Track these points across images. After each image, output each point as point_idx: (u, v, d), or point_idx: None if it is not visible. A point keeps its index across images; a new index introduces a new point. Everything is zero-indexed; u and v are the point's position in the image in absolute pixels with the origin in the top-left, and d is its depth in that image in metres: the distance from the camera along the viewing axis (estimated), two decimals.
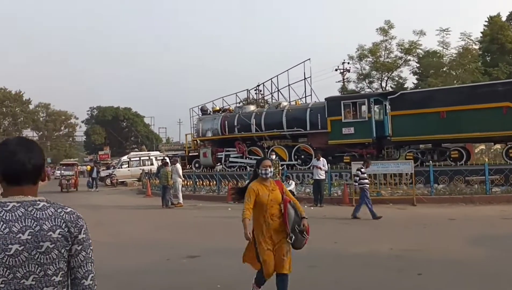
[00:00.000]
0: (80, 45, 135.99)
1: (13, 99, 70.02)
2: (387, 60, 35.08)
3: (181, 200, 16.47)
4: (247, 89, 27.39)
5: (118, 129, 72.69)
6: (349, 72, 38.97)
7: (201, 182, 20.46)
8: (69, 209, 1.77)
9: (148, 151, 45.30)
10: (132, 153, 39.56)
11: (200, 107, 25.71)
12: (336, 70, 39.56)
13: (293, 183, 15.97)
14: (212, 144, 23.95)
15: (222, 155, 23.19)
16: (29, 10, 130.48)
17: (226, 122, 23.14)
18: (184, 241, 9.40)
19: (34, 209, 1.69)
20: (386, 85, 35.95)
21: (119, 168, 32.93)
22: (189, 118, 26.79)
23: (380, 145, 19.14)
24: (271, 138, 21.92)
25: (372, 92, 29.77)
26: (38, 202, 1.72)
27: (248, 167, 20.99)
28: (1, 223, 1.63)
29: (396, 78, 36.58)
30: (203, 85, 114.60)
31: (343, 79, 39.67)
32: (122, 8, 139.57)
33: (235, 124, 22.62)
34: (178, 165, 17.09)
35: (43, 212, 1.70)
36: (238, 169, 21.71)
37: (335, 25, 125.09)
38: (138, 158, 33.20)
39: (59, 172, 32.39)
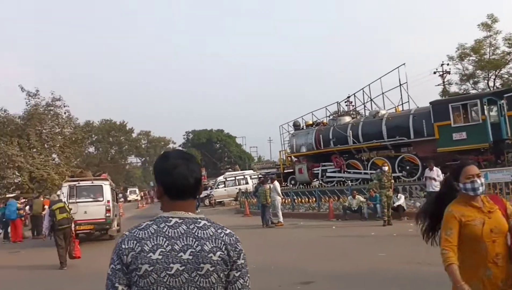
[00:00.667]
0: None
1: (118, 129, 75.98)
2: (493, 57, 31.81)
3: (281, 219, 15.91)
4: (337, 102, 26.29)
5: (212, 151, 75.14)
6: (449, 74, 36.03)
7: (299, 199, 19.78)
8: (228, 231, 1.70)
9: (241, 170, 45.86)
10: (227, 173, 40.22)
11: (293, 122, 25.20)
12: (434, 72, 36.79)
13: (402, 196, 14.64)
14: (307, 160, 23.24)
15: (318, 170, 22.36)
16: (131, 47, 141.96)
17: (320, 135, 22.35)
18: (293, 264, 8.73)
19: (196, 228, 1.63)
20: (493, 84, 32.54)
21: (216, 188, 33.53)
22: (279, 135, 26.42)
23: (498, 150, 16.95)
24: (370, 149, 20.60)
25: (484, 92, 26.94)
26: (199, 220, 1.66)
27: (348, 181, 19.94)
28: (164, 239, 1.58)
29: (506, 76, 32.97)
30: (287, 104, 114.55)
31: (443, 82, 36.74)
32: (196, 34, 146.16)
33: (330, 137, 21.72)
34: (276, 183, 16.63)
35: (204, 231, 1.63)
36: (337, 184, 20.70)
37: (425, 26, 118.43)
38: (233, 178, 33.53)
39: None
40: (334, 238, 11.48)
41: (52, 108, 31.72)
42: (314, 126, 23.71)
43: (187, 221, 1.64)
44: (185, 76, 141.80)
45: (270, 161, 66.57)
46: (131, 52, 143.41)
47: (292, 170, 24.19)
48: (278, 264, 8.77)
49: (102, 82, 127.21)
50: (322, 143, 22.13)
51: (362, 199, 15.81)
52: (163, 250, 1.56)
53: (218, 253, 1.60)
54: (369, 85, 22.85)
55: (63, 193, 13.59)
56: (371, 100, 23.05)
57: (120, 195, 38.80)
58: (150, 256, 1.56)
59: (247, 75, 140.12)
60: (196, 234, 1.61)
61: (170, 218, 1.63)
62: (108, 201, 14.14)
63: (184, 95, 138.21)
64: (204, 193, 34.19)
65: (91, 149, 68.87)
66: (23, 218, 16.14)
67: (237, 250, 1.67)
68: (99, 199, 14.14)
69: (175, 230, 1.60)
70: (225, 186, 32.89)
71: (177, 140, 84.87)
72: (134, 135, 79.42)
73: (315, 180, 22.76)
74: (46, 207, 15.77)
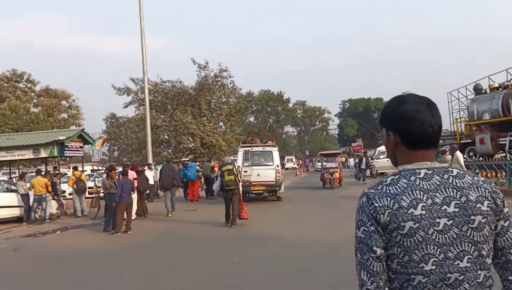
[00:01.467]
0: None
1: (275, 99, 78.38)
2: None
3: None
4: None
5: (370, 120, 72.20)
6: None
7: (482, 173, 17.16)
8: (483, 178, 1.52)
9: None
10: None
11: (473, 86, 21.99)
12: None
13: None
14: (491, 128, 20.10)
15: (505, 141, 19.14)
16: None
17: (510, 100, 18.98)
18: None
19: (451, 177, 1.46)
20: None
21: (377, 159, 31.80)
22: (447, 103, 23.43)
23: None
24: None
25: None
26: (450, 169, 1.49)
27: None
28: (421, 193, 1.42)
29: None
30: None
31: None
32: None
33: None
34: (459, 154, 14.48)
35: (462, 180, 1.46)
36: None
37: None
38: None
39: (319, 164, 32.98)
40: None
41: (219, 78, 33.61)
42: (500, 89, 20.27)
43: (438, 171, 1.48)
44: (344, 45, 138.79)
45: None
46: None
47: (470, 140, 21.28)
48: None
49: (259, 56, 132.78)
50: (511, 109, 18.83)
51: None
52: (424, 204, 1.41)
53: (486, 202, 1.44)
54: None
55: (236, 157, 14.78)
56: None
57: None
58: (412, 212, 1.40)
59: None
60: (454, 184, 1.45)
61: (418, 170, 1.47)
62: (278, 166, 15.22)
63: (340, 64, 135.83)
64: (363, 164, 32.81)
65: (251, 119, 72.76)
66: (201, 180, 17.27)
67: (501, 197, 1.49)
68: (270, 163, 15.28)
69: (429, 182, 1.45)
70: (386, 156, 30.84)
71: (332, 109, 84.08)
72: (290, 105, 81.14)
73: (499, 152, 19.61)
74: (216, 169, 16.81)
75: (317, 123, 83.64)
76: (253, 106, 71.89)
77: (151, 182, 15.71)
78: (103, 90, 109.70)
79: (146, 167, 16.38)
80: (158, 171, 16.82)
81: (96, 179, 18.48)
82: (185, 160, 35.25)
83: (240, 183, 11.08)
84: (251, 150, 15.30)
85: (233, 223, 10.25)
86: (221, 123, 35.29)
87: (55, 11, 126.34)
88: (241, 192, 10.82)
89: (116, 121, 69.90)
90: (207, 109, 33.46)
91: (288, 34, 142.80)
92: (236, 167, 11.58)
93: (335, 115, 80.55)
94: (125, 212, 10.14)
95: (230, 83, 34.08)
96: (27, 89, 54.81)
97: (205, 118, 33.74)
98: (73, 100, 57.09)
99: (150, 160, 20.01)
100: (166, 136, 33.58)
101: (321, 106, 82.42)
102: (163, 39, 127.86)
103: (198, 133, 31.85)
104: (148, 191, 15.28)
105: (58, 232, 11.09)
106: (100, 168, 33.79)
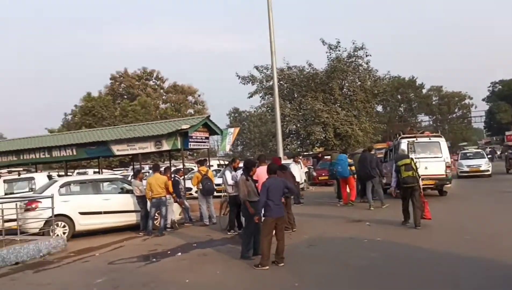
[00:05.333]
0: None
1: (407, 86, 70.76)
2: None
3: None
4: None
5: None
6: None
7: None
8: None
9: None
10: None
11: None
12: None
13: None
14: None
15: None
16: None
17: None
18: None
19: None
20: None
21: None
22: None
23: None
24: None
25: None
26: None
27: None
28: None
29: None
30: None
31: None
32: None
33: None
34: None
35: None
36: None
37: None
38: None
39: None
40: None
41: (353, 58, 29.13)
42: None
43: None
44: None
45: None
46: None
47: None
48: None
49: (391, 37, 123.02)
50: None
51: None
52: None
53: None
54: None
55: (403, 149, 12.87)
56: None
57: None
58: None
59: None
60: None
61: None
62: (447, 158, 14.42)
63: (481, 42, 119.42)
64: None
65: (379, 108, 66.33)
66: (355, 175, 13.33)
67: None
68: (438, 155, 14.36)
69: None
70: None
71: (476, 93, 73.09)
72: (424, 91, 72.73)
73: None
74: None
75: (456, 110, 73.59)
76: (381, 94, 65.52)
77: (298, 179, 12.08)
78: (226, 85, 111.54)
79: (291, 161, 13.15)
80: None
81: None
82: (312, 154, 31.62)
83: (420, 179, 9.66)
84: (415, 141, 14.42)
85: (417, 224, 9.10)
86: (355, 111, 30.52)
87: (177, 15, 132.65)
88: (421, 188, 9.60)
89: (239, 116, 69.53)
90: (340, 94, 29.21)
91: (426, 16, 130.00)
92: (414, 160, 9.83)
93: (483, 100, 69.42)
94: (273, 231, 6.52)
95: (367, 63, 29.37)
96: (156, 86, 56.42)
97: (338, 104, 29.54)
98: (199, 95, 57.50)
99: (281, 153, 16.54)
100: (294, 127, 30.17)
101: (460, 90, 72.24)
102: (285, 30, 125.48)
103: (331, 122, 27.77)
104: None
105: (179, 254, 7.88)
106: (227, 162, 31.66)
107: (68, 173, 18.97)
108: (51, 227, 9.29)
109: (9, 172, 17.92)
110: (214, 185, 11.68)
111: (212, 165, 21.85)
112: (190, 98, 57.33)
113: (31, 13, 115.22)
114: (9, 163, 16.98)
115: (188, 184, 14.39)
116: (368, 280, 5.64)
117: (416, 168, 9.48)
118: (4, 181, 13.73)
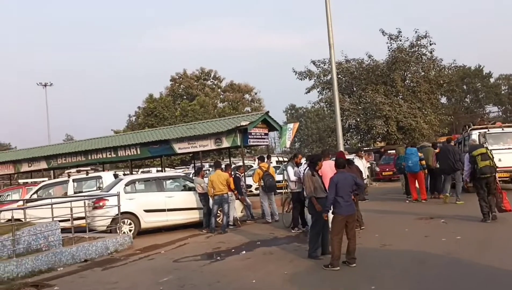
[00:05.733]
0: None
1: (473, 75, 66.74)
2: None
3: None
4: None
5: None
6: None
7: None
8: None
9: None
10: None
11: None
12: None
13: None
14: None
15: None
16: None
17: None
18: None
19: None
20: None
21: None
22: None
23: None
24: None
25: None
26: None
27: None
28: None
29: None
30: None
31: None
32: None
33: None
34: None
35: None
36: None
37: None
38: None
39: None
40: None
41: (416, 48, 27.71)
42: None
43: None
44: None
45: None
46: None
47: None
48: None
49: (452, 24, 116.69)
50: None
51: None
52: None
53: None
54: None
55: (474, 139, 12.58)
56: None
57: None
58: None
59: None
60: None
61: None
62: None
63: None
64: None
65: (443, 100, 63.06)
66: (425, 170, 12.52)
67: None
68: None
69: None
70: None
71: None
72: (492, 80, 68.15)
73: None
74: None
75: None
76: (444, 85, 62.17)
77: (364, 175, 11.52)
78: (283, 82, 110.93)
79: (354, 156, 12.55)
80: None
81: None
82: (374, 148, 30.45)
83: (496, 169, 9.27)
84: (487, 132, 13.94)
85: (493, 217, 8.79)
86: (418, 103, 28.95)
87: (230, 14, 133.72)
88: (497, 179, 9.28)
89: (295, 112, 69.03)
90: (403, 86, 27.90)
91: None
92: (489, 150, 9.31)
93: None
94: (344, 230, 6.10)
95: (431, 52, 27.81)
96: (214, 86, 57.25)
97: (400, 96, 28.24)
98: (255, 93, 57.68)
99: (341, 149, 15.92)
100: (354, 121, 29.22)
101: None
102: (341, 27, 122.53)
103: (393, 114, 26.56)
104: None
105: (243, 252, 7.66)
106: (286, 159, 31.37)
107: (133, 172, 19.53)
108: (118, 224, 9.45)
109: (78, 171, 18.72)
110: (275, 181, 11.40)
111: (272, 162, 21.61)
112: (247, 96, 57.69)
113: (96, 13, 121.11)
114: (78, 163, 17.78)
115: (249, 181, 14.23)
116: (458, 285, 5.08)
117: (493, 157, 8.93)
118: (74, 181, 14.31)
